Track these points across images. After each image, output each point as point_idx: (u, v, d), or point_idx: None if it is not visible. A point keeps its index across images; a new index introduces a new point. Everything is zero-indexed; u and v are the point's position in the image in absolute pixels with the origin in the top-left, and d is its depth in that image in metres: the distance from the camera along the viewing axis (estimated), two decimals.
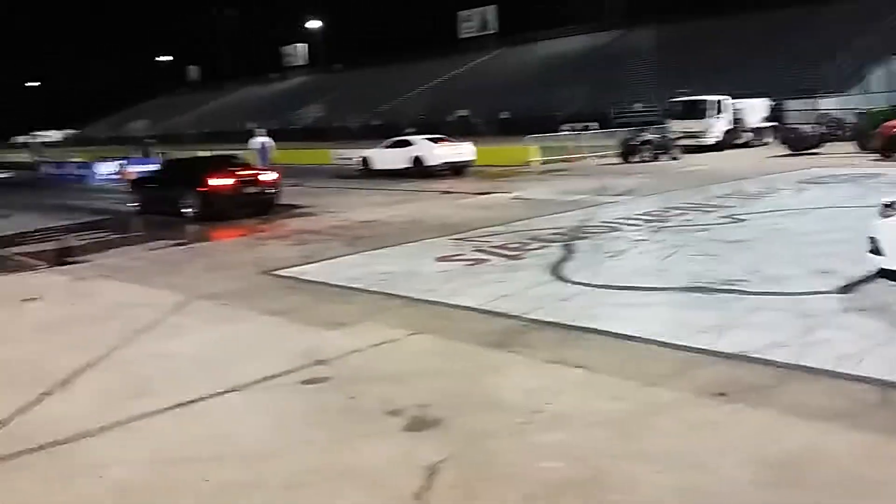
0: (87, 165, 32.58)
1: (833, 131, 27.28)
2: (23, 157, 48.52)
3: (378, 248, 11.13)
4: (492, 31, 74.96)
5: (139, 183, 19.31)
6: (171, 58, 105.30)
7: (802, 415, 4.51)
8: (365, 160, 27.72)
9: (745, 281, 7.80)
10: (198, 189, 15.95)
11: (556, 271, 8.82)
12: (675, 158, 26.17)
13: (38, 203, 22.55)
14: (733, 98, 31.25)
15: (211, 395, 5.44)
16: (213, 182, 15.90)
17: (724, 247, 9.68)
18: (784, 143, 26.28)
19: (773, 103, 33.59)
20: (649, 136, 26.73)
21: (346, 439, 4.58)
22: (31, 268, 11.44)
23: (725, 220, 11.81)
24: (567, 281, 8.33)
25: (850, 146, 24.40)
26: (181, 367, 6.20)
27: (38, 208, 20.74)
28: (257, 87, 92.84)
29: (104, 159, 33.15)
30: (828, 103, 34.43)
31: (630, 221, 12.21)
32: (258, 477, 4.13)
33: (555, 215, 13.35)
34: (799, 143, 25.36)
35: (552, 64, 62.18)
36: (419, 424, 4.73)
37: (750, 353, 5.62)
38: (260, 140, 24.53)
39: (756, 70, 42.03)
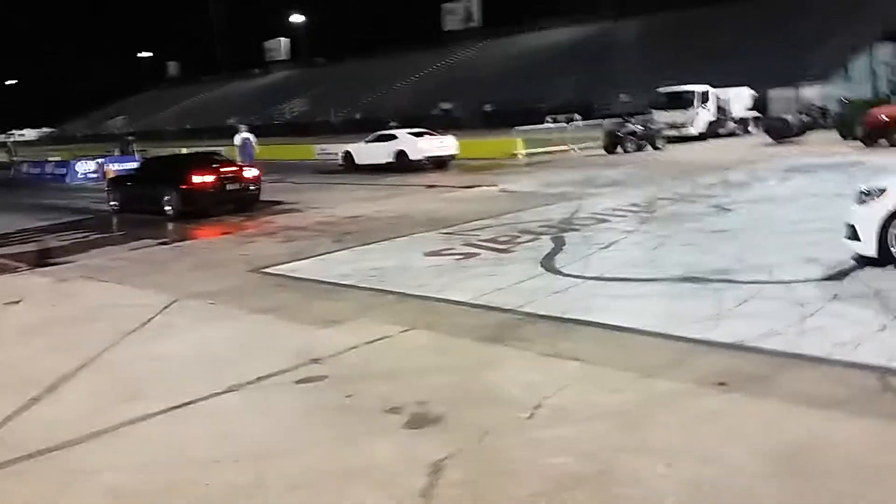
0: (65, 164, 32.18)
1: (816, 120, 27.47)
2: None
3: (366, 244, 11.05)
4: (476, 24, 74.87)
5: (119, 181, 19.14)
6: (150, 54, 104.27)
7: (804, 403, 4.49)
8: (348, 155, 27.60)
9: (735, 270, 7.80)
10: (179, 186, 15.82)
11: (547, 264, 8.78)
12: (659, 149, 26.26)
13: (16, 203, 22.27)
14: (717, 88, 31.38)
15: (205, 397, 5.34)
16: (194, 179, 15.78)
17: (713, 236, 9.68)
18: (768, 132, 26.44)
19: (757, 93, 33.75)
20: (633, 128, 26.79)
21: (347, 438, 4.51)
22: (12, 270, 11.26)
23: (713, 209, 11.83)
24: (558, 273, 8.29)
25: (832, 135, 24.55)
26: (173, 369, 6.10)
27: (17, 208, 20.47)
28: (239, 83, 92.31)
29: (83, 158, 32.76)
30: (810, 92, 34.64)
31: (618, 213, 12.20)
32: (260, 478, 4.06)
33: (543, 207, 13.32)
34: (782, 133, 25.53)
35: (536, 56, 62.19)
36: (420, 421, 4.67)
37: (746, 342, 5.60)
38: (242, 136, 24.32)
39: (739, 60, 42.19)
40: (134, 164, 24.80)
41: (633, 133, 26.40)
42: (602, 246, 9.55)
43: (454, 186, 18.46)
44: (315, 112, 71.58)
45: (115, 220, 16.99)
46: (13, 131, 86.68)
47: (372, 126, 37.12)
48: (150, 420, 5.03)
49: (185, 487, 4.05)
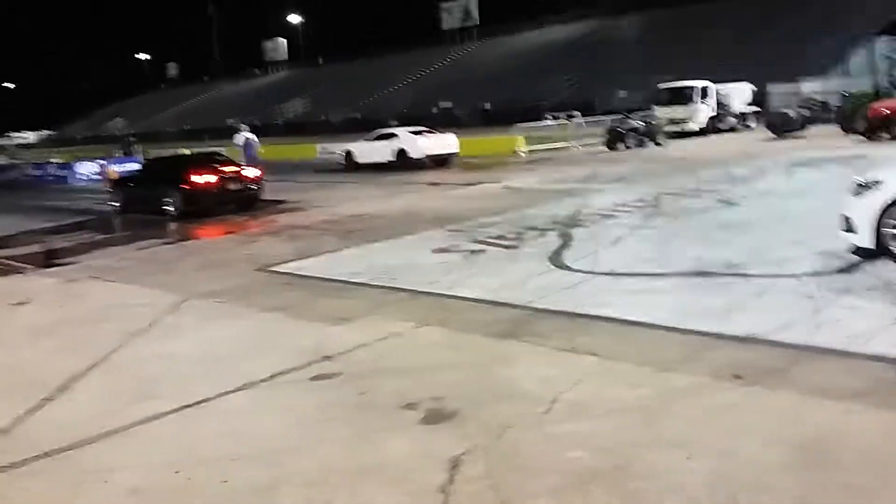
0: (66, 166, 32.16)
1: (817, 114, 27.44)
2: None
3: (373, 242, 11.03)
4: (474, 23, 74.84)
5: (121, 182, 19.17)
6: (149, 56, 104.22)
7: (822, 395, 4.47)
8: (348, 154, 27.59)
9: (746, 264, 7.77)
10: (181, 187, 15.88)
11: (556, 260, 8.76)
12: (660, 145, 26.24)
13: (18, 205, 22.27)
14: (717, 83, 31.35)
15: (218, 395, 5.33)
16: (195, 179, 15.82)
17: (722, 231, 9.66)
18: (769, 127, 26.42)
19: (756, 88, 33.73)
20: (635, 124, 26.76)
21: (364, 435, 4.49)
22: (18, 271, 11.26)
23: (719, 204, 11.80)
24: (568, 269, 8.27)
25: (833, 129, 24.52)
26: (184, 368, 6.08)
27: (20, 210, 20.47)
28: (238, 83, 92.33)
29: (84, 159, 32.76)
30: (810, 87, 34.60)
31: (624, 208, 12.18)
32: (278, 475, 4.04)
33: (548, 204, 13.30)
34: (784, 127, 25.50)
35: (535, 54, 62.21)
36: (436, 417, 4.65)
37: (760, 335, 5.59)
38: (243, 136, 24.27)
39: (738, 55, 42.17)
40: (136, 166, 24.81)
41: (635, 129, 26.37)
42: (610, 241, 9.53)
43: (458, 184, 18.43)
44: (314, 112, 71.59)
45: (118, 221, 16.98)
46: (10, 133, 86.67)
47: (372, 125, 37.12)
48: (163, 419, 5.01)
49: (204, 485, 4.04)
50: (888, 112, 21.27)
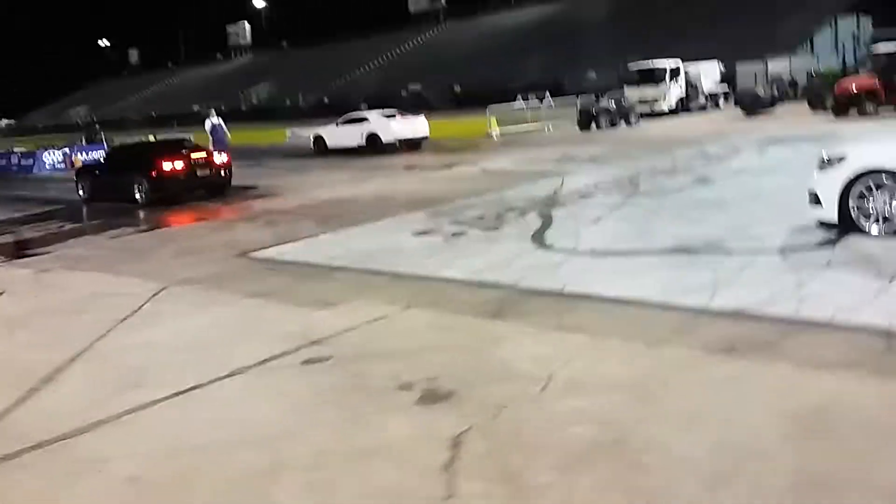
0: (31, 155, 31.50)
1: (786, 93, 27.77)
2: None
3: (352, 226, 10.96)
4: (441, 4, 74.43)
5: (87, 170, 18.89)
6: (110, 42, 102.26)
7: (815, 366, 4.54)
8: (319, 138, 27.40)
9: (727, 240, 7.86)
10: (149, 174, 15.69)
11: (539, 240, 8.78)
12: (632, 125, 26.38)
13: None
14: (686, 63, 31.56)
15: (209, 382, 5.26)
16: (164, 166, 15.65)
17: (700, 208, 9.75)
18: (739, 105, 26.68)
19: (725, 67, 34.02)
20: (606, 104, 26.86)
21: (361, 417, 4.46)
22: None
23: (696, 182, 11.90)
24: (551, 249, 8.29)
25: (802, 107, 24.84)
26: (171, 355, 5.99)
27: None
28: (202, 68, 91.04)
29: (49, 148, 32.11)
30: (777, 65, 34.96)
31: (601, 188, 12.24)
32: (278, 460, 4.00)
33: (525, 185, 13.32)
34: (753, 105, 25.78)
35: (503, 36, 62.08)
36: (432, 398, 4.64)
37: (748, 309, 5.65)
38: (212, 121, 23.98)
39: (706, 35, 42.47)
40: (101, 153, 24.41)
41: (607, 109, 26.50)
42: (590, 220, 9.57)
43: (433, 167, 18.39)
44: (281, 96, 70.85)
45: (88, 210, 16.70)
46: None
47: (341, 109, 36.83)
48: (154, 407, 4.94)
49: (202, 472, 3.98)
50: (855, 89, 21.59)
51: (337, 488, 3.70)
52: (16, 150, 33.91)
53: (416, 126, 26.03)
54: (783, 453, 3.62)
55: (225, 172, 16.62)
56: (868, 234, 7.37)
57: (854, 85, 21.86)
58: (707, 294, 6.11)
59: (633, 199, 10.90)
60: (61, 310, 7.81)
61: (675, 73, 30.84)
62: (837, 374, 4.40)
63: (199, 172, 16.05)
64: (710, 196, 10.53)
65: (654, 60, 32.07)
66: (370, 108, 33.08)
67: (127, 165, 16.82)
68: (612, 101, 27.66)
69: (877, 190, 7.37)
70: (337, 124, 27.15)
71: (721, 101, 32.22)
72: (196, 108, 68.40)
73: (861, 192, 7.42)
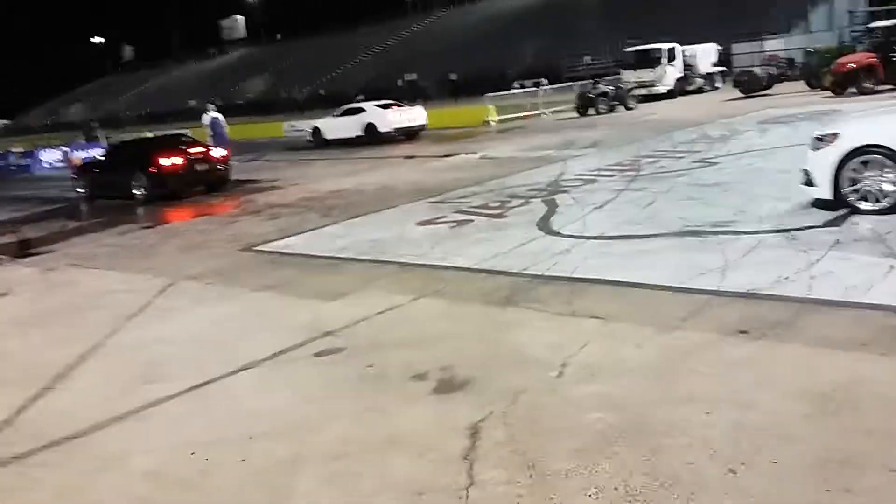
0: (29, 154, 31.44)
1: (784, 72, 27.67)
2: None
3: (356, 217, 10.95)
4: None
5: (86, 168, 18.88)
6: (103, 39, 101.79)
7: (830, 345, 4.54)
8: (316, 130, 27.37)
9: (734, 221, 7.85)
10: (148, 170, 15.70)
11: (545, 226, 8.76)
12: (631, 109, 26.31)
13: None
14: (683, 45, 31.46)
15: (224, 375, 5.27)
16: (162, 162, 15.64)
17: (705, 190, 9.73)
18: (737, 86, 26.59)
19: (722, 48, 33.91)
20: (605, 88, 26.78)
21: (378, 407, 4.47)
22: None
23: (699, 164, 11.88)
24: (558, 235, 8.28)
25: (800, 86, 24.77)
26: (184, 350, 6.00)
27: None
28: (196, 63, 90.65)
29: (47, 147, 32.05)
30: (773, 45, 34.85)
31: (604, 172, 12.21)
32: (299, 451, 4.01)
33: (527, 172, 13.29)
34: (751, 86, 25.69)
35: (498, 22, 61.83)
36: (448, 387, 4.65)
37: (759, 290, 5.64)
38: (210, 116, 23.88)
39: (701, 15, 42.29)
40: (100, 151, 24.34)
41: (605, 94, 26.40)
42: (596, 206, 9.55)
43: (434, 156, 18.34)
44: (277, 89, 70.63)
45: (89, 207, 16.68)
46: None
47: (337, 101, 36.76)
48: (170, 402, 4.95)
49: (223, 465, 3.99)
50: (853, 66, 21.51)
51: (359, 479, 3.70)
52: (13, 149, 33.84)
53: (413, 115, 26.00)
54: (803, 433, 3.63)
55: (223, 167, 16.61)
56: (861, 211, 7.40)
57: (852, 63, 21.78)
58: (718, 276, 6.11)
59: (636, 183, 10.88)
60: (70, 307, 7.82)
61: (671, 54, 30.73)
62: (852, 353, 4.40)
63: (197, 167, 16.04)
64: (714, 178, 10.50)
65: (651, 43, 31.96)
66: (367, 98, 33.00)
67: (125, 162, 16.81)
68: (610, 85, 27.58)
69: (869, 166, 7.40)
70: (334, 116, 27.10)
71: (718, 82, 32.12)
72: (192, 103, 68.21)
73: (854, 169, 7.46)
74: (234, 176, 17.18)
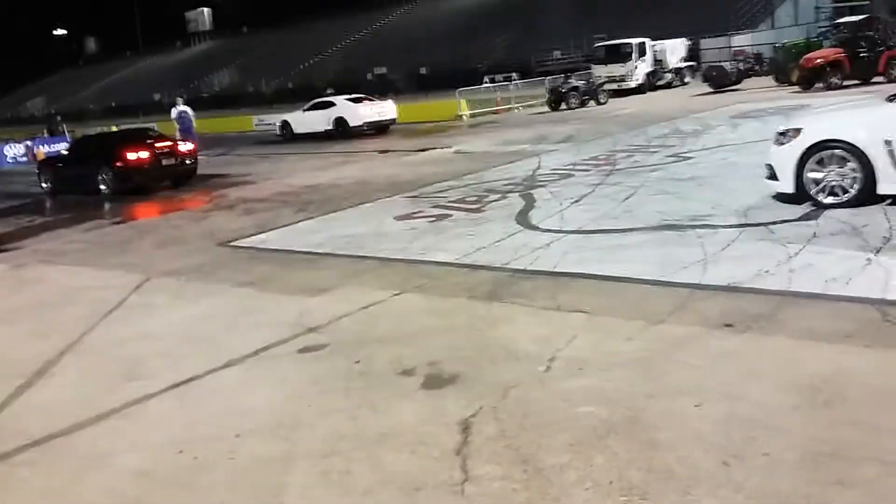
0: None
1: (751, 67, 28.01)
2: None
3: (332, 212, 10.88)
4: None
5: (50, 163, 18.60)
6: (65, 31, 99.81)
7: (814, 338, 4.60)
8: (285, 124, 27.23)
9: (711, 215, 7.94)
10: (113, 164, 15.50)
11: (523, 220, 8.78)
12: (602, 103, 26.48)
13: None
14: (651, 40, 31.72)
15: (208, 372, 5.20)
16: (128, 156, 15.45)
17: (681, 184, 9.81)
18: (706, 81, 26.88)
19: (689, 43, 34.24)
20: (576, 83, 26.92)
21: (367, 403, 4.44)
22: None
23: (673, 158, 11.98)
24: (537, 229, 8.30)
25: (768, 81, 25.10)
26: (164, 347, 5.90)
27: None
28: (162, 56, 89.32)
29: (9, 141, 31.37)
30: (740, 40, 35.26)
31: (580, 167, 12.26)
32: (288, 448, 3.97)
33: (503, 166, 13.31)
34: (721, 81, 25.97)
35: (467, 16, 61.76)
36: (437, 382, 4.63)
37: (741, 283, 5.71)
38: (178, 109, 23.60)
39: (670, 11, 42.62)
40: (64, 145, 23.94)
41: (576, 88, 26.56)
42: (573, 200, 9.58)
43: (407, 150, 18.30)
44: (244, 83, 69.95)
45: (54, 203, 16.39)
46: None
47: (306, 95, 36.47)
48: (154, 399, 4.88)
49: (212, 463, 3.94)
50: (821, 62, 21.85)
51: (352, 475, 3.67)
52: None
53: (383, 110, 25.96)
54: (793, 425, 3.67)
55: (190, 161, 16.45)
56: (824, 205, 7.56)
57: (819, 58, 22.12)
58: (699, 269, 6.17)
59: (612, 178, 10.95)
60: (43, 304, 7.68)
61: (641, 49, 30.97)
62: (837, 345, 4.47)
63: (164, 162, 15.87)
64: (689, 172, 10.60)
65: (620, 38, 32.18)
66: (336, 92, 32.81)
67: (91, 157, 16.56)
68: (581, 80, 27.72)
69: (830, 161, 7.55)
70: (303, 110, 26.94)
71: (687, 77, 32.46)
72: (157, 96, 67.31)
73: (816, 163, 7.61)
74: (204, 170, 16.99)
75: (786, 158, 7.79)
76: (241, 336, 5.89)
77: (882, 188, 7.33)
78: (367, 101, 26.18)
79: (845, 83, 21.39)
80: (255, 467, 3.85)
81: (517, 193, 10.47)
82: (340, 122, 25.03)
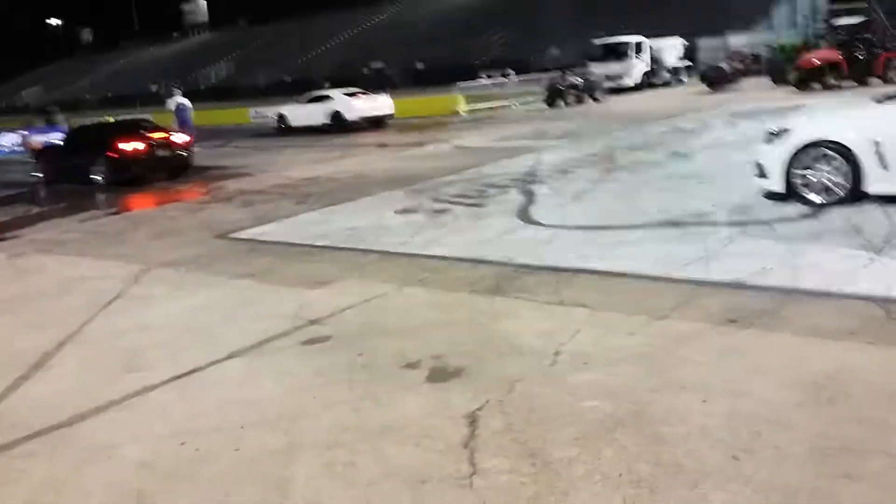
0: None
1: (749, 67, 28.06)
2: None
3: (332, 205, 10.84)
4: None
5: (45, 152, 18.49)
6: (60, 21, 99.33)
7: (818, 335, 4.60)
8: (281, 117, 27.19)
9: (713, 212, 7.94)
10: (108, 155, 15.44)
11: (525, 216, 8.77)
12: (599, 101, 26.48)
13: None
14: (649, 39, 31.73)
15: (209, 364, 5.17)
16: (123, 147, 15.38)
17: (682, 181, 9.82)
18: (703, 80, 26.91)
19: (687, 42, 34.27)
20: (574, 80, 26.90)
21: (371, 396, 4.42)
22: None
23: (672, 156, 11.99)
24: (539, 224, 8.29)
25: (765, 81, 25.13)
26: (164, 338, 5.87)
27: None
28: (158, 48, 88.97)
29: (4, 130, 31.20)
30: (737, 40, 35.29)
31: (579, 163, 12.26)
32: (292, 441, 3.95)
33: (502, 161, 13.30)
34: (718, 80, 26.01)
35: (465, 11, 61.62)
36: (442, 375, 4.62)
37: (744, 280, 5.71)
38: (176, 101, 23.48)
39: (667, 10, 42.61)
40: (60, 135, 23.82)
41: (574, 86, 26.54)
42: (574, 196, 9.58)
43: (406, 144, 18.27)
44: (240, 75, 69.74)
45: (51, 193, 16.28)
46: None
47: (302, 88, 36.37)
48: (156, 390, 4.85)
49: (216, 455, 3.92)
50: (818, 63, 21.88)
51: (358, 467, 3.66)
52: None
53: (379, 104, 25.94)
54: (799, 421, 3.67)
55: (186, 153, 16.41)
56: (812, 203, 7.62)
57: (816, 59, 22.16)
58: (701, 266, 6.17)
59: (612, 174, 10.94)
60: (42, 293, 7.63)
61: (639, 48, 30.98)
62: (841, 342, 4.47)
63: (159, 153, 15.83)
64: (689, 170, 10.61)
65: (619, 36, 32.18)
66: (333, 86, 32.74)
67: (86, 147, 16.48)
68: (579, 77, 27.72)
69: (818, 160, 7.61)
70: (300, 103, 26.89)
71: (684, 76, 32.49)
72: (154, 88, 67.07)
73: (805, 163, 7.68)
74: (202, 162, 16.95)
75: (775, 157, 7.88)
76: (242, 328, 5.86)
77: (869, 187, 7.41)
78: (363, 96, 26.16)
79: (842, 85, 21.43)
80: (259, 459, 3.83)
81: (517, 189, 10.46)
82: (337, 115, 25.01)
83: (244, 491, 3.58)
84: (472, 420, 3.98)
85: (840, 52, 22.01)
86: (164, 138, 16.23)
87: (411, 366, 4.80)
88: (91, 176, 15.62)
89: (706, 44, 35.92)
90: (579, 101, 26.12)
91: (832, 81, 21.40)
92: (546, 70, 33.63)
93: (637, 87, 30.24)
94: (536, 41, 48.40)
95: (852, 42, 22.34)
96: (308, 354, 5.22)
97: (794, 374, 4.14)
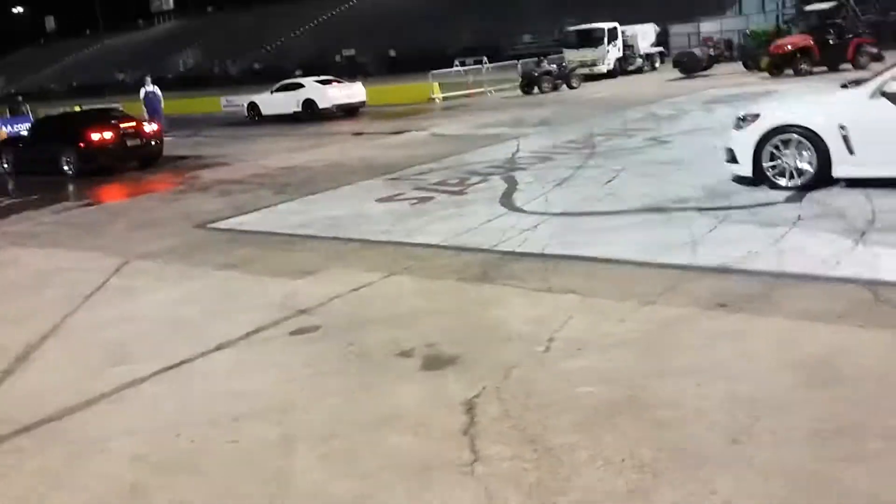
0: None
1: (721, 53, 28.25)
2: None
3: (312, 194, 10.76)
4: None
5: (11, 143, 18.13)
6: (23, 9, 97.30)
7: (809, 318, 4.64)
8: (253, 105, 26.92)
9: (696, 198, 7.98)
10: (77, 145, 15.19)
11: (508, 203, 8.75)
12: (574, 88, 26.52)
13: None
14: (622, 25, 31.81)
15: (198, 356, 5.11)
16: (92, 136, 15.17)
17: (662, 167, 9.86)
18: (677, 66, 27.03)
19: (659, 29, 34.41)
20: (549, 67, 26.90)
21: (366, 385, 4.40)
22: None
23: (651, 142, 12.04)
24: (522, 211, 8.28)
25: (738, 67, 25.32)
26: (150, 330, 5.79)
27: None
28: (124, 35, 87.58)
29: None
30: (708, 26, 35.52)
31: (559, 150, 12.27)
32: (289, 432, 3.91)
33: (481, 149, 13.26)
34: (691, 66, 26.14)
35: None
36: (436, 363, 4.60)
37: (731, 265, 5.75)
38: (146, 89, 23.18)
39: None
40: (26, 125, 23.39)
41: (549, 73, 26.54)
42: (556, 183, 9.58)
43: (382, 132, 18.16)
44: (209, 63, 68.89)
45: (19, 184, 15.97)
46: None
47: (273, 76, 36.03)
48: (145, 383, 4.78)
49: (211, 447, 3.88)
50: (790, 48, 22.08)
51: (356, 458, 3.63)
52: None
53: (352, 92, 25.80)
54: (795, 403, 3.70)
55: (156, 142, 16.20)
56: (780, 187, 7.75)
57: (789, 45, 22.36)
58: (687, 251, 6.21)
59: (593, 161, 10.96)
60: (21, 286, 7.49)
61: (613, 34, 31.03)
62: (832, 325, 4.52)
63: (129, 142, 15.62)
64: (669, 155, 10.66)
65: (589, 23, 32.21)
66: (304, 74, 32.46)
67: (54, 137, 16.19)
68: (553, 64, 27.72)
69: (787, 145, 7.75)
70: (271, 92, 26.63)
71: (657, 62, 32.64)
72: (121, 76, 66.05)
73: (773, 147, 7.82)
74: (175, 152, 16.74)
75: (745, 142, 8.02)
76: (229, 319, 5.80)
77: (837, 171, 7.54)
78: (336, 84, 25.97)
79: (814, 70, 21.65)
80: (256, 451, 3.79)
81: (498, 176, 10.44)
82: (309, 104, 24.81)
83: (244, 483, 3.54)
84: (470, 407, 3.97)
85: (811, 38, 22.22)
86: (134, 127, 16.00)
87: (405, 354, 4.78)
88: (60, 167, 15.37)
89: (678, 30, 36.15)
90: (555, 87, 26.14)
91: (804, 67, 21.61)
92: (520, 57, 33.61)
93: (611, 74, 30.32)
94: (509, 28, 48.35)
95: (824, 28, 22.56)
96: (298, 345, 5.18)
97: (787, 357, 4.18)
